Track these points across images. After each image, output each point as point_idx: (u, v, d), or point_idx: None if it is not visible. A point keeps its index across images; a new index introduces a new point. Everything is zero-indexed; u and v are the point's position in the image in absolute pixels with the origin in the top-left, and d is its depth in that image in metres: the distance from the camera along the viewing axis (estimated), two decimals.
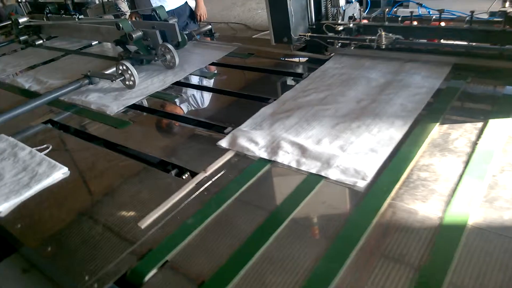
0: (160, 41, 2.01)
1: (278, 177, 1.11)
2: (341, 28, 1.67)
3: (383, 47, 1.50)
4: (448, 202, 0.90)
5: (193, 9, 2.96)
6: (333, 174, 1.04)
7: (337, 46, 1.74)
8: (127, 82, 1.86)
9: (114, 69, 1.97)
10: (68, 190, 1.20)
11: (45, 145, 1.43)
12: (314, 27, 1.82)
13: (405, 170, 1.02)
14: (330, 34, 1.71)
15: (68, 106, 1.78)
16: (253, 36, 4.81)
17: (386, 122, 1.23)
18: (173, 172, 1.20)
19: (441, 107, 1.27)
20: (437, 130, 1.16)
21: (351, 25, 1.67)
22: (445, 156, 1.05)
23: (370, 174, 1.02)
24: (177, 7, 2.80)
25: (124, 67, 1.83)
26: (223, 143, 1.27)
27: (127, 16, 3.22)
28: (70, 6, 2.72)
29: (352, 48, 1.72)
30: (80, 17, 2.59)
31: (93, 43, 2.73)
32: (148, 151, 1.33)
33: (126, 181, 1.19)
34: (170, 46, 1.98)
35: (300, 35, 1.76)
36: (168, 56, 2.00)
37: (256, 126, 1.33)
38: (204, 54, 2.20)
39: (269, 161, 1.15)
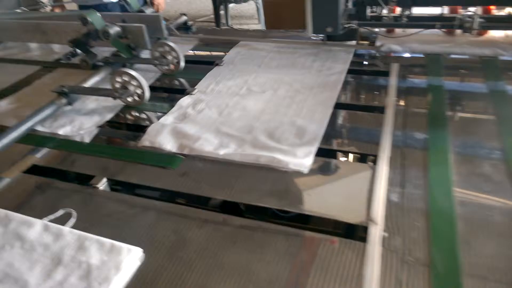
0: (147, 38, 1.53)
1: None
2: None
3: (471, 32, 1.31)
4: None
5: None
6: None
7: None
8: (129, 99, 1.34)
9: (92, 81, 1.43)
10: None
11: (62, 212, 0.90)
12: (353, 13, 1.54)
13: None
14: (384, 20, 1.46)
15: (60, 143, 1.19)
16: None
17: None
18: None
19: None
20: None
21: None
22: None
23: None
24: None
25: (126, 78, 1.31)
26: None
27: (47, 9, 2.51)
28: None
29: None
30: None
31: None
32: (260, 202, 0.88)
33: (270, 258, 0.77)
34: (171, 44, 1.50)
35: (344, 24, 1.46)
36: (169, 57, 1.52)
37: None
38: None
39: None
